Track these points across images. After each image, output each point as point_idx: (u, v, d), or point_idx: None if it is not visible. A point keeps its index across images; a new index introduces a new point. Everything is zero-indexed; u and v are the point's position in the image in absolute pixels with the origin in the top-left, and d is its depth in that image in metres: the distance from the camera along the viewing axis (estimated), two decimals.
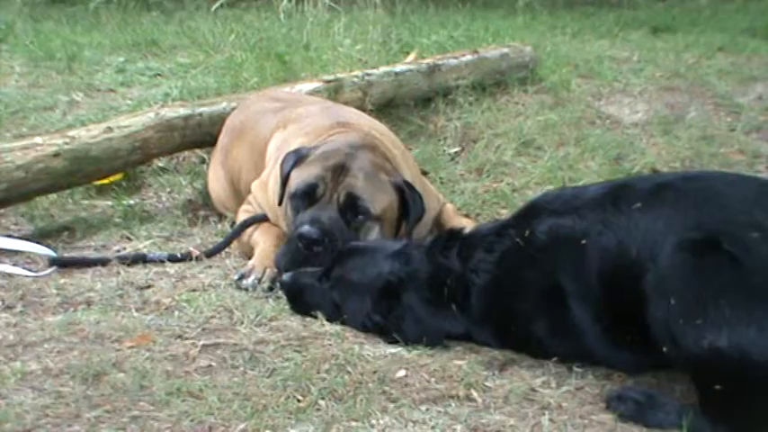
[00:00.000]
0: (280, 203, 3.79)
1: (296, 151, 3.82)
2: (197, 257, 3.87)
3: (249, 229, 3.94)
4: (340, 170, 3.63)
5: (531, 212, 3.11)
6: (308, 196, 3.64)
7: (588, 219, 2.88)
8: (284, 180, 3.76)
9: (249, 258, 3.78)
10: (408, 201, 3.72)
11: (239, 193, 4.31)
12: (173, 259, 3.86)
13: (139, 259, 3.85)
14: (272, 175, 4.01)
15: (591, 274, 2.83)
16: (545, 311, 2.96)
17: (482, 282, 3.07)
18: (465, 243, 3.19)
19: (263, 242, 3.82)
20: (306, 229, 3.51)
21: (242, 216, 4.04)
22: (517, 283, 3.00)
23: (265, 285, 3.56)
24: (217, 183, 4.54)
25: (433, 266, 3.16)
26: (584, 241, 2.85)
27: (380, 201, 3.65)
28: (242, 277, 3.62)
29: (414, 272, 3.17)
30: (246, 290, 3.55)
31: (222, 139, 4.56)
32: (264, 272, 3.61)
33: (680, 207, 2.73)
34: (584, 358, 2.95)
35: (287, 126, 4.12)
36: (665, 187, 2.84)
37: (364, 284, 3.21)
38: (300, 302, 3.37)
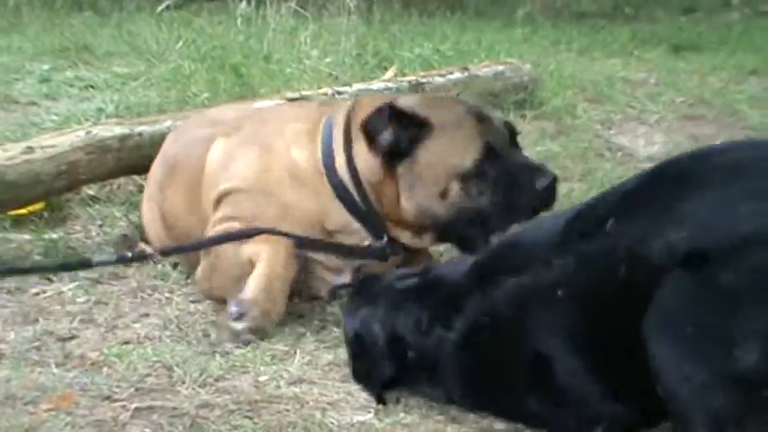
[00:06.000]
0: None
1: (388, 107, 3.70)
2: (151, 256, 3.82)
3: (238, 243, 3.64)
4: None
5: (486, 274, 3.03)
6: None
7: (556, 263, 2.79)
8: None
9: (217, 295, 3.69)
10: None
11: (176, 239, 4.09)
12: (121, 261, 3.87)
13: (84, 266, 3.85)
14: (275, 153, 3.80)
15: (576, 325, 2.80)
16: (532, 386, 2.94)
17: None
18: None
19: (268, 262, 3.53)
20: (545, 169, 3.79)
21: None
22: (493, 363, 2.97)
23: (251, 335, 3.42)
24: (152, 221, 4.32)
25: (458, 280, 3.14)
26: (559, 292, 2.82)
27: None
28: (239, 317, 3.42)
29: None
30: (238, 335, 3.42)
31: (156, 170, 4.35)
32: (266, 314, 3.45)
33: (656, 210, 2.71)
34: (590, 422, 2.94)
35: (230, 135, 3.98)
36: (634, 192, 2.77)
37: None
38: None
